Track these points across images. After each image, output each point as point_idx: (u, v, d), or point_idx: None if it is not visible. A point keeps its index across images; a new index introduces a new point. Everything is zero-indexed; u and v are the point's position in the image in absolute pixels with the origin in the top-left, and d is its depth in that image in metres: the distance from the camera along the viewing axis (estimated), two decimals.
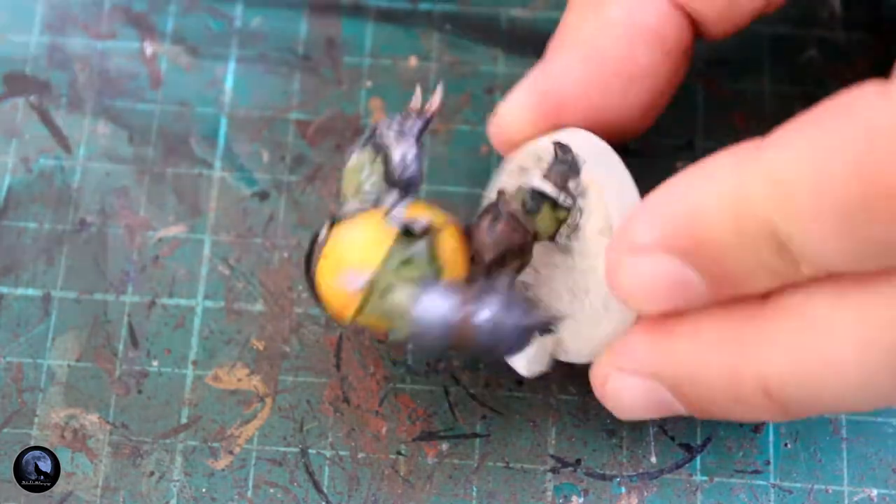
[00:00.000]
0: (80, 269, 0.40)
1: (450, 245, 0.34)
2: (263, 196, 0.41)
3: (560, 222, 0.35)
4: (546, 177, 0.34)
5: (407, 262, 0.33)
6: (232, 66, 0.43)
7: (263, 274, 0.40)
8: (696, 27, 0.37)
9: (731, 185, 0.29)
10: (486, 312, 0.32)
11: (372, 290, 0.33)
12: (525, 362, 0.36)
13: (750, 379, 0.31)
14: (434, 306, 0.32)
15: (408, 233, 0.34)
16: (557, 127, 0.36)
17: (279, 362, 0.39)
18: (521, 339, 0.33)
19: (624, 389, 0.34)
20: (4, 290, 0.40)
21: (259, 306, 0.40)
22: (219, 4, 0.44)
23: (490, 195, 0.37)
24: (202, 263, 0.41)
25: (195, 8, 0.44)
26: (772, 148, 0.29)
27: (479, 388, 0.39)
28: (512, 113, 0.36)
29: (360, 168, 0.35)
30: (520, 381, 0.39)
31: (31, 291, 0.40)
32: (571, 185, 0.34)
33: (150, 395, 0.39)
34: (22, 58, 0.43)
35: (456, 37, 0.44)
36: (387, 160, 0.34)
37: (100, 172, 0.42)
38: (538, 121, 0.36)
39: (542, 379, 0.39)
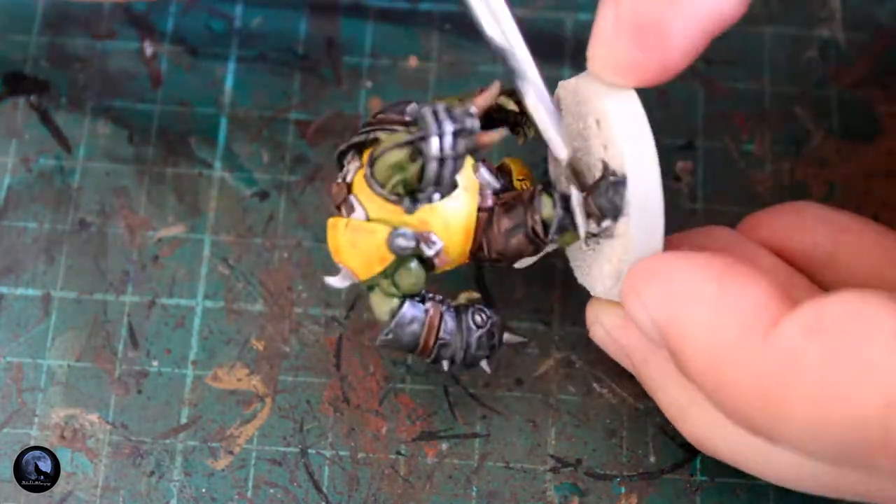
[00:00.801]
0: (80, 269, 0.40)
1: (457, 241, 0.35)
2: (263, 196, 0.41)
3: (578, 239, 0.35)
4: (584, 201, 0.34)
5: (403, 267, 0.35)
6: (232, 66, 0.43)
7: (263, 274, 0.40)
8: None
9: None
10: (448, 325, 0.35)
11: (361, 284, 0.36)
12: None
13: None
14: (407, 319, 0.35)
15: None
16: (663, 56, 0.33)
17: (279, 362, 0.39)
18: (477, 355, 0.36)
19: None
20: (4, 290, 0.40)
21: (259, 306, 0.40)
22: (219, 4, 0.44)
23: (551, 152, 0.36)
24: (202, 263, 0.41)
25: (195, 8, 0.44)
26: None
27: (479, 388, 0.39)
28: (609, 57, 0.33)
29: (396, 166, 0.33)
30: (520, 380, 0.39)
31: (31, 291, 0.40)
32: (605, 223, 0.33)
33: (150, 395, 0.39)
34: (22, 58, 0.43)
35: (456, 37, 0.44)
36: (424, 168, 0.33)
37: (100, 172, 0.42)
38: (640, 57, 0.33)
39: (541, 379, 0.39)
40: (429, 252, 0.34)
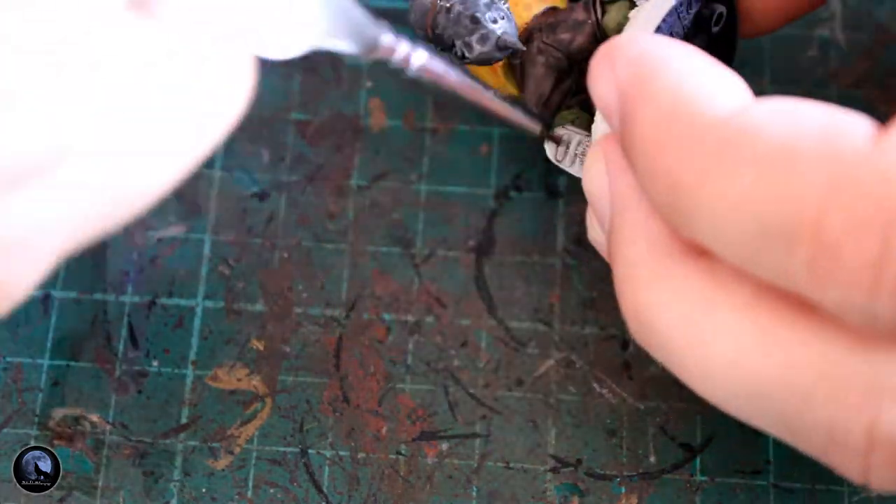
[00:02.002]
0: (80, 269, 0.40)
1: None
2: (263, 196, 0.41)
3: (622, 25, 0.35)
4: None
5: None
6: None
7: (263, 274, 0.40)
8: None
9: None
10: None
11: None
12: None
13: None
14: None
15: None
16: None
17: (279, 362, 0.39)
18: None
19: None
20: None
21: (259, 306, 0.40)
22: None
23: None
24: (202, 263, 0.41)
25: None
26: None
27: (479, 389, 0.39)
28: None
29: None
30: (520, 380, 0.39)
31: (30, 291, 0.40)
32: None
33: (150, 395, 0.39)
34: None
35: None
36: None
37: None
38: None
39: (541, 379, 0.39)
40: None
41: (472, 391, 0.39)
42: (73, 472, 0.38)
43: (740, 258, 0.28)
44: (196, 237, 0.41)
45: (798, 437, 0.29)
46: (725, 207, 0.28)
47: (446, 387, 0.39)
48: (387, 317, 0.40)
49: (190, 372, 0.39)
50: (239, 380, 0.39)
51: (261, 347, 0.39)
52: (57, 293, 0.40)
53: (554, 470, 0.38)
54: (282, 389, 0.39)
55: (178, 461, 0.38)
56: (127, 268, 0.40)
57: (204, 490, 0.37)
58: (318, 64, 0.43)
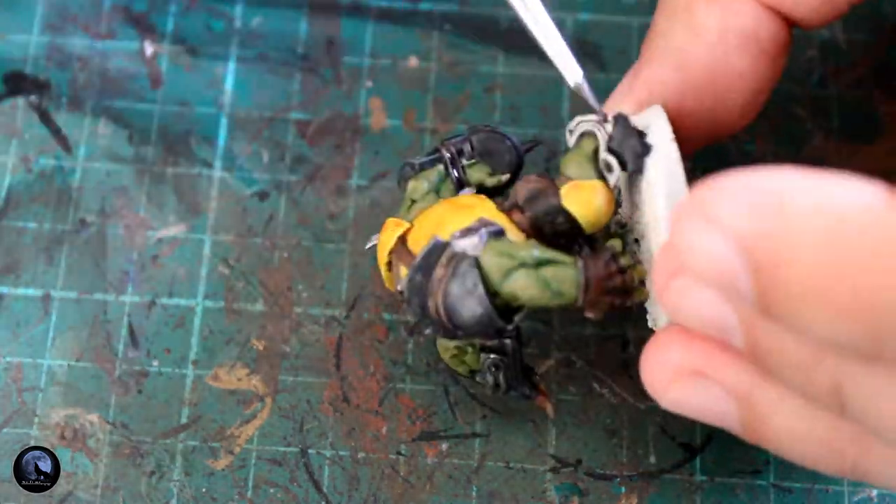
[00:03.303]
0: (80, 269, 0.40)
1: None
2: (263, 196, 0.41)
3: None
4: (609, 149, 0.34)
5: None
6: (232, 66, 0.43)
7: (263, 274, 0.40)
8: (791, 23, 0.35)
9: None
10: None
11: None
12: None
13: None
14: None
15: None
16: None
17: (279, 362, 0.39)
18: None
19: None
20: (4, 290, 0.40)
21: (259, 306, 0.40)
22: (219, 4, 0.44)
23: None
24: (202, 263, 0.41)
25: (195, 8, 0.44)
26: None
27: (479, 388, 0.39)
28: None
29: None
30: None
31: (31, 291, 0.40)
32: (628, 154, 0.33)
33: (150, 395, 0.39)
34: (22, 58, 0.43)
35: (456, 37, 0.44)
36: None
37: (100, 172, 0.42)
38: None
39: (542, 379, 0.39)
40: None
41: (472, 391, 0.39)
42: (73, 472, 0.38)
43: None
44: (196, 237, 0.41)
45: None
46: None
47: (446, 387, 0.39)
48: (387, 317, 0.40)
49: (190, 372, 0.39)
50: (239, 380, 0.39)
51: (261, 347, 0.39)
52: (57, 293, 0.40)
53: (554, 470, 0.38)
54: (282, 389, 0.39)
55: (178, 461, 0.38)
56: (127, 268, 0.40)
57: (204, 490, 0.38)
58: (318, 64, 0.43)
